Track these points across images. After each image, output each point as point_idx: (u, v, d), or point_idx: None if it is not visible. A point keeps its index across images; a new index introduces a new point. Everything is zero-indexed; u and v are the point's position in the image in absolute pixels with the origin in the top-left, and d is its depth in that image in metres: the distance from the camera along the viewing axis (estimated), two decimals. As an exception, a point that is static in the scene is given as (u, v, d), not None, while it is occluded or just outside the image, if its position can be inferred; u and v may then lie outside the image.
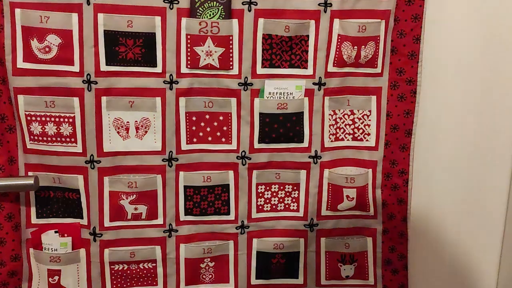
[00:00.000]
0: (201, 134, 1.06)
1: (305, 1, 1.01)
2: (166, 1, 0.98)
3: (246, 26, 1.00)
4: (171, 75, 1.01)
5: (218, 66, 1.01)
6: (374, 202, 1.13)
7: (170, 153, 1.05)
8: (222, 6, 0.99)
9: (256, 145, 1.07)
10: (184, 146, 1.05)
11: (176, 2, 0.98)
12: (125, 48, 0.98)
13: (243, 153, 1.08)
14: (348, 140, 1.11)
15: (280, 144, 1.08)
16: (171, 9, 0.98)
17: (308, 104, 1.06)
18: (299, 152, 1.09)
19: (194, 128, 1.05)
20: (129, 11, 0.97)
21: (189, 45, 1.00)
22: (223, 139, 1.07)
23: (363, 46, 1.04)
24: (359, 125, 1.11)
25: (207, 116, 1.05)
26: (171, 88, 1.02)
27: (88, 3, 0.95)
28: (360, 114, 1.10)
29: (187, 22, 0.99)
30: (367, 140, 1.11)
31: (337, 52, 1.04)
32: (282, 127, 1.07)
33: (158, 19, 0.98)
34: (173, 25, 0.99)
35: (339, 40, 1.03)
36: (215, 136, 1.06)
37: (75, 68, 0.97)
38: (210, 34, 0.99)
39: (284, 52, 1.03)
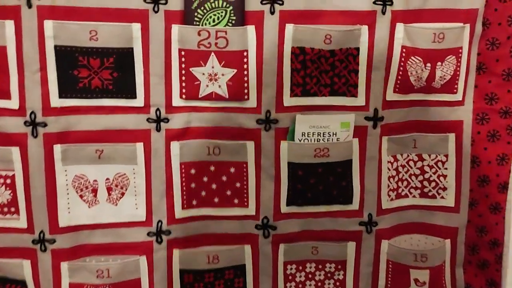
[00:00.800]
0: (203, 193, 0.72)
1: (353, -1, 0.68)
2: (148, 1, 0.65)
3: (267, 36, 0.68)
4: (158, 110, 0.68)
5: (227, 96, 0.68)
6: (454, 286, 0.78)
7: (159, 223, 0.71)
8: (231, 7, 0.67)
9: (284, 209, 0.74)
10: (180, 213, 0.72)
11: (164, 1, 0.65)
12: (87, 72, 0.66)
13: (265, 221, 0.74)
14: (414, 197, 0.78)
15: (318, 207, 0.75)
16: (156, 12, 0.66)
17: (359, 149, 0.73)
18: (346, 217, 0.75)
19: (193, 185, 0.71)
20: (93, 16, 0.64)
21: (183, 66, 0.67)
22: (236, 201, 0.73)
23: (439, 63, 0.71)
24: (430, 176, 0.77)
25: (212, 168, 0.72)
26: (158, 129, 0.69)
27: (29, 5, 0.62)
28: (433, 160, 0.76)
29: (181, 31, 0.66)
30: (442, 198, 0.77)
31: (401, 72, 0.71)
32: (321, 182, 0.73)
33: (136, 27, 0.65)
34: (160, 36, 0.66)
35: (404, 54, 0.70)
36: (225, 196, 0.73)
37: (13, 103, 0.65)
38: (214, 48, 0.67)
39: (324, 73, 0.70)
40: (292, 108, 0.71)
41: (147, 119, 0.68)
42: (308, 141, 0.72)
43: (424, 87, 0.73)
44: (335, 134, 0.72)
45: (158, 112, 0.68)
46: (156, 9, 0.66)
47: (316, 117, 0.71)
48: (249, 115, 0.70)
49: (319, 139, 0.72)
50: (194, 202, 0.72)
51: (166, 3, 0.66)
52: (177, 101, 0.69)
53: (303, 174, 0.73)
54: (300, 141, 0.72)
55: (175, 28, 0.66)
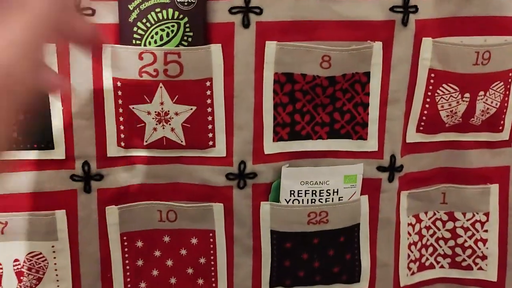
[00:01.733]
0: (155, 273, 0.52)
1: (361, 3, 0.47)
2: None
3: (240, 58, 0.47)
4: (86, 163, 0.48)
5: (183, 143, 0.48)
6: None
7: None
8: (186, 18, 0.46)
9: (267, 292, 0.54)
10: (123, 302, 0.52)
11: (89, 12, 0.45)
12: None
13: (241, 306, 0.54)
14: (443, 267, 0.58)
15: (314, 288, 0.55)
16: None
17: (369, 210, 0.53)
18: (352, 299, 0.56)
19: (140, 263, 0.52)
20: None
21: (120, 102, 0.47)
22: (201, 281, 0.53)
23: (481, 93, 0.51)
24: (465, 241, 0.57)
25: (167, 239, 0.52)
26: (87, 190, 0.49)
27: None
28: (468, 220, 0.57)
29: (114, 53, 0.46)
30: (480, 269, 0.57)
31: (428, 106, 0.51)
32: (318, 258, 0.54)
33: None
34: (85, 61, 0.46)
35: (433, 81, 0.50)
36: (185, 276, 0.53)
37: None
38: (163, 78, 0.47)
39: (320, 108, 0.50)
40: (276, 156, 0.51)
41: (71, 177, 0.48)
42: (299, 202, 0.52)
43: (458, 124, 0.53)
44: (337, 192, 0.52)
45: (86, 167, 0.48)
46: (76, 22, 0.45)
47: (310, 170, 0.51)
48: (216, 167, 0.50)
49: (315, 200, 0.52)
50: (143, 286, 0.53)
51: (92, 14, 0.45)
52: (113, 151, 0.49)
53: (293, 247, 0.53)
54: (287, 202, 0.51)
55: (107, 50, 0.46)
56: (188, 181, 0.50)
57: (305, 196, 0.51)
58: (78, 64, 0.46)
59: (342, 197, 0.52)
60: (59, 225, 0.49)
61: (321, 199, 0.51)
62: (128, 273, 0.52)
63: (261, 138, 0.50)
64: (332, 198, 0.52)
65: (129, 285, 0.52)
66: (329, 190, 0.51)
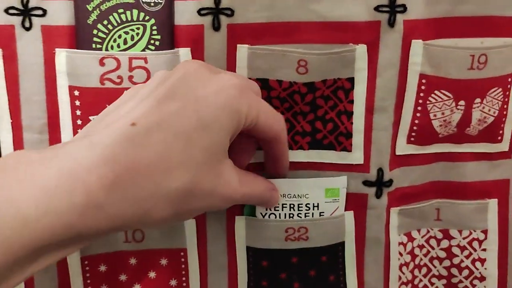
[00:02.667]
0: (122, 297, 0.48)
1: (343, 2, 0.43)
2: (12, 12, 0.41)
3: (210, 62, 0.43)
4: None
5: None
6: None
7: None
8: (153, 20, 0.42)
9: (244, 315, 0.50)
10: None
11: (40, 12, 0.41)
12: None
13: (216, 332, 0.50)
14: (437, 290, 0.53)
15: (295, 313, 0.50)
16: (28, 29, 0.41)
17: (355, 227, 0.48)
18: (337, 325, 0.51)
19: None
20: None
21: (78, 113, 0.43)
22: (172, 305, 0.49)
23: (477, 100, 0.46)
24: (461, 261, 0.52)
25: (133, 261, 0.48)
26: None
27: None
28: (465, 238, 0.52)
29: (71, 59, 0.42)
30: (479, 292, 0.52)
31: (419, 114, 0.46)
32: (298, 277, 0.49)
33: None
34: (36, 68, 0.42)
35: (425, 87, 0.46)
36: (155, 299, 0.49)
37: None
38: (128, 85, 0.43)
39: (300, 116, 0.46)
40: (253, 167, 0.46)
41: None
42: (275, 216, 0.47)
43: (453, 135, 0.48)
44: (317, 206, 0.47)
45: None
46: (27, 24, 0.41)
47: (288, 182, 0.47)
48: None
49: (293, 214, 0.47)
50: (108, 305, 0.48)
51: (44, 15, 0.41)
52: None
53: (270, 266, 0.49)
54: (263, 216, 0.47)
55: (61, 55, 0.42)
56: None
57: (283, 210, 0.47)
58: (28, 71, 0.42)
59: (323, 212, 0.47)
60: None
61: (300, 213, 0.47)
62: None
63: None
64: (312, 213, 0.47)
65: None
66: (309, 204, 0.47)
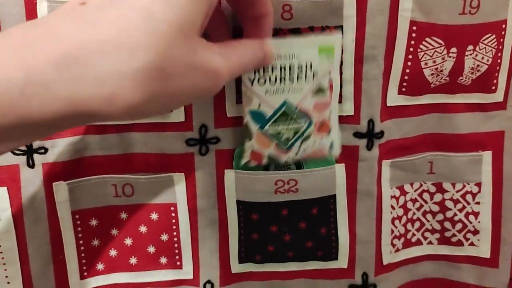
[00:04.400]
0: (113, 253, 0.48)
1: None
2: None
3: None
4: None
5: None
6: None
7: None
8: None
9: (236, 268, 0.50)
10: (77, 285, 0.48)
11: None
12: None
13: (208, 286, 0.50)
14: (431, 243, 0.53)
15: (287, 265, 0.50)
16: None
17: (347, 180, 0.48)
18: (330, 278, 0.51)
19: (96, 242, 0.48)
20: None
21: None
22: (164, 260, 0.49)
23: (470, 47, 0.45)
24: (455, 214, 0.52)
25: (124, 215, 0.48)
26: (30, 164, 0.45)
27: None
28: (458, 192, 0.51)
29: (52, 8, 0.41)
30: (472, 245, 0.52)
31: (410, 63, 0.45)
32: (288, 230, 0.49)
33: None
34: (16, 11, 0.41)
35: (416, 34, 0.44)
36: (146, 255, 0.49)
37: None
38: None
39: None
40: (239, 120, 0.46)
41: (12, 152, 0.44)
42: (265, 81, 0.42)
43: (446, 84, 0.47)
44: (310, 67, 0.42)
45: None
46: None
47: (279, 42, 0.41)
48: (175, 133, 0.45)
49: (284, 78, 0.42)
50: (100, 267, 0.49)
51: None
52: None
53: (260, 219, 0.48)
54: (252, 82, 0.42)
55: (42, 4, 0.41)
56: (144, 150, 0.46)
57: (273, 72, 0.41)
58: (9, 18, 0.41)
59: (316, 72, 0.42)
60: (1, 204, 0.44)
61: (291, 77, 0.42)
62: (83, 254, 0.48)
63: (223, 101, 0.45)
64: (306, 75, 0.42)
65: (84, 267, 0.48)
66: (301, 64, 0.42)
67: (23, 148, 0.44)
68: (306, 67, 0.42)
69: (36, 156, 0.44)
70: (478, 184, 0.51)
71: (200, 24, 0.29)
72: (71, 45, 0.25)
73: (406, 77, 0.46)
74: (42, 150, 0.44)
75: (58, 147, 0.44)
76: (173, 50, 0.27)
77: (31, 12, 0.41)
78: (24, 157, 0.44)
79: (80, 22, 0.26)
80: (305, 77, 0.42)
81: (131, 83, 0.25)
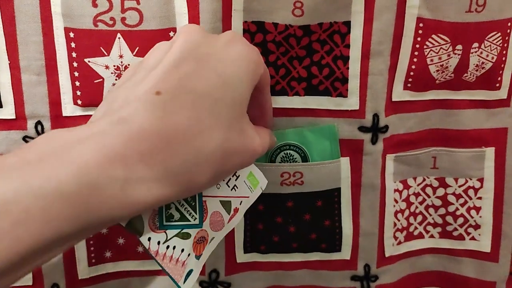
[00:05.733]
0: (121, 241, 0.49)
1: None
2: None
3: (204, 5, 0.43)
4: (39, 123, 0.45)
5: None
6: None
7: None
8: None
9: (241, 258, 0.51)
10: (85, 271, 0.49)
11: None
12: None
13: (213, 275, 0.51)
14: (432, 237, 0.54)
15: (291, 255, 0.51)
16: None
17: (351, 173, 0.49)
18: (333, 269, 0.52)
19: (104, 230, 0.48)
20: None
21: (74, 55, 0.43)
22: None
23: (475, 45, 0.46)
24: (457, 209, 0.53)
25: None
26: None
27: None
28: (460, 186, 0.52)
29: (65, 1, 0.42)
30: (473, 239, 0.53)
31: (416, 59, 0.46)
32: (293, 222, 0.50)
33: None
34: (31, 9, 0.42)
35: (422, 31, 0.45)
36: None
37: None
38: (121, 27, 0.43)
39: (296, 61, 0.46)
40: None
41: (24, 138, 0.45)
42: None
43: (450, 81, 0.48)
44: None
45: (39, 127, 0.45)
46: (21, -36, 0.41)
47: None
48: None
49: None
50: (108, 255, 0.50)
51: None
52: (70, 110, 0.45)
53: (266, 210, 0.49)
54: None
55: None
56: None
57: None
58: (24, 12, 0.42)
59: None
60: None
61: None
62: (91, 242, 0.49)
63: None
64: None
65: (93, 254, 0.49)
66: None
67: (34, 135, 0.44)
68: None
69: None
70: (481, 180, 0.51)
71: (248, 101, 0.33)
72: (158, 138, 0.27)
73: (411, 73, 0.47)
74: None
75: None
76: (232, 131, 0.30)
77: (44, 2, 0.42)
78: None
79: (161, 114, 0.28)
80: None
81: (206, 167, 0.28)
